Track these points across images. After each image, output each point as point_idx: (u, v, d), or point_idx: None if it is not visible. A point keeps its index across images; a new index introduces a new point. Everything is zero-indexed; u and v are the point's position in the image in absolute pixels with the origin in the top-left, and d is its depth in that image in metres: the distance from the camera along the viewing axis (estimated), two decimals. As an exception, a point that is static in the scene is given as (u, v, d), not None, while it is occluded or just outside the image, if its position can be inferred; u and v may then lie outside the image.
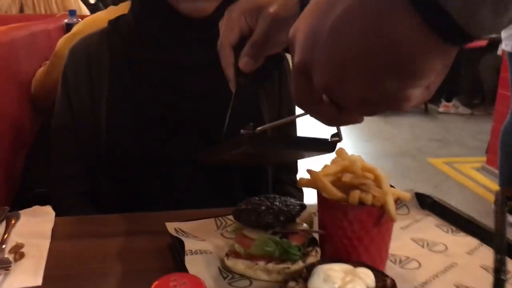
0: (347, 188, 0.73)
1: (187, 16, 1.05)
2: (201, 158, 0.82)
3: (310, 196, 0.87)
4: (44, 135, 1.65)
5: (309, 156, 0.74)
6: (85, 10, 3.37)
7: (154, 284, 0.54)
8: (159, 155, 1.10)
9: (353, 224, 0.73)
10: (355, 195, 0.71)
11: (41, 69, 1.79)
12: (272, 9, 0.74)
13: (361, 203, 0.72)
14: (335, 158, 0.78)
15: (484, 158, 4.26)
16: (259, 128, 0.64)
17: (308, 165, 0.78)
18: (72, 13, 2.61)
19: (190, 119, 1.10)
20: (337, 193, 0.73)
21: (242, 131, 0.65)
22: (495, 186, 3.69)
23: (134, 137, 1.10)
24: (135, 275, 0.77)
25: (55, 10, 3.22)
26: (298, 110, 0.73)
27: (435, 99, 6.36)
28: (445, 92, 6.25)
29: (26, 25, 2.07)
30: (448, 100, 6.13)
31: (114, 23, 1.16)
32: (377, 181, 0.72)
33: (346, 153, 0.78)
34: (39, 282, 0.74)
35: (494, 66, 5.59)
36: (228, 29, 0.76)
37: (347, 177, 0.72)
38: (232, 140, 0.69)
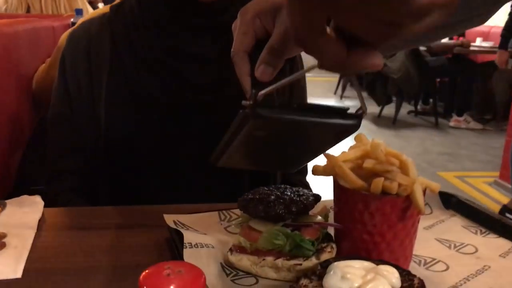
0: (368, 176, 0.65)
1: (193, 1, 0.98)
2: (213, 160, 0.68)
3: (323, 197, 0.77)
4: (42, 131, 1.59)
5: (329, 136, 0.61)
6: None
7: (145, 271, 0.46)
8: (159, 146, 1.02)
9: (375, 217, 0.64)
10: (378, 183, 0.62)
11: (44, 65, 1.73)
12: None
13: (385, 192, 0.63)
14: (354, 144, 0.70)
15: (497, 173, 4.15)
16: (262, 92, 0.53)
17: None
18: (79, 12, 2.57)
19: (194, 110, 1.03)
20: (357, 181, 0.64)
21: (243, 102, 0.54)
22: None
23: (134, 126, 1.02)
24: (125, 270, 0.68)
25: (62, 12, 3.18)
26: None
27: (446, 114, 6.26)
28: (456, 107, 6.16)
29: (31, 20, 2.02)
30: (459, 114, 6.02)
31: (116, 8, 1.09)
32: (403, 168, 0.64)
33: (367, 139, 0.69)
34: (18, 274, 0.66)
35: (507, 80, 5.50)
36: (242, 34, 0.67)
37: (369, 163, 0.64)
38: (234, 120, 0.58)
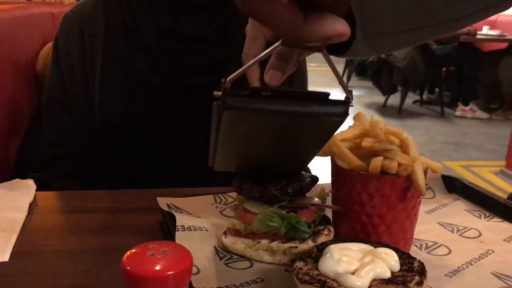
0: (367, 155, 0.62)
1: None
2: (210, 163, 0.65)
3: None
4: (41, 117, 1.57)
5: (314, 127, 0.54)
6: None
7: (129, 252, 0.44)
8: (154, 127, 1.00)
9: (374, 198, 0.62)
10: (377, 162, 0.60)
11: (50, 43, 1.71)
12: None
13: (384, 172, 0.61)
14: (353, 123, 0.67)
15: (503, 162, 4.11)
16: (229, 77, 0.48)
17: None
18: (79, -2, 2.53)
19: (190, 93, 1.00)
20: (355, 161, 0.62)
21: (214, 92, 0.50)
22: (515, 191, 3.55)
23: (128, 108, 1.00)
24: (116, 252, 0.65)
25: (65, 0, 3.16)
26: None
27: (452, 103, 6.21)
28: (462, 96, 6.09)
29: (30, 6, 1.99)
30: (465, 104, 5.96)
31: None
32: (404, 146, 0.61)
33: (366, 118, 0.67)
34: (5, 257, 0.64)
35: (514, 69, 5.43)
36: (252, 39, 0.67)
37: (367, 142, 0.61)
38: (213, 115, 0.54)
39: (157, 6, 1.00)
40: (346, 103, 0.50)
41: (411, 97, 6.47)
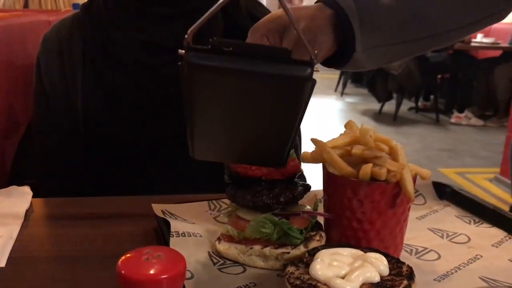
0: (358, 162, 0.63)
1: None
2: (190, 153, 0.64)
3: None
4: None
5: (279, 93, 0.50)
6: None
7: (124, 256, 0.45)
8: (136, 137, 1.01)
9: (364, 204, 0.63)
10: (367, 169, 0.61)
11: None
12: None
13: (374, 179, 0.62)
14: (344, 131, 0.69)
15: (498, 169, 4.13)
16: (190, 29, 0.48)
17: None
18: (76, 6, 2.55)
19: (168, 105, 1.01)
20: (346, 168, 0.63)
21: (179, 51, 0.50)
22: (509, 197, 3.56)
23: (110, 119, 1.01)
24: (112, 258, 0.66)
25: (61, 7, 3.16)
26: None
27: (447, 110, 6.24)
28: (457, 103, 6.13)
29: (26, 14, 2.00)
30: (460, 111, 6.00)
31: (86, 8, 1.08)
32: (393, 153, 0.63)
33: (357, 126, 0.68)
34: (2, 263, 0.65)
35: (509, 76, 5.47)
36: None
37: (358, 149, 0.63)
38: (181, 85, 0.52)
39: (128, 21, 1.01)
40: (310, 64, 0.48)
41: (406, 104, 6.50)
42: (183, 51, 0.48)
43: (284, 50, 0.48)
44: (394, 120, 6.01)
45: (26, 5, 3.06)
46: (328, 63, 0.77)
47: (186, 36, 0.48)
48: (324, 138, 0.66)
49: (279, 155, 0.61)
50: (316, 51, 0.54)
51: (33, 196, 0.86)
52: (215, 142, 0.61)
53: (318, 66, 0.52)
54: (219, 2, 0.49)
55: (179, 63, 0.49)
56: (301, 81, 0.48)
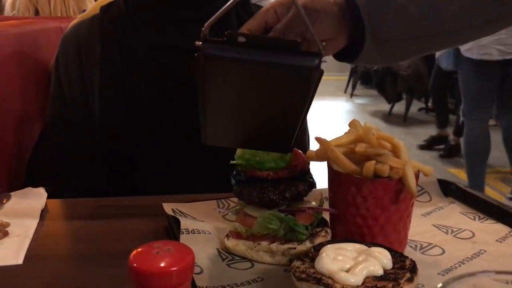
0: (361, 160, 0.65)
1: None
2: (202, 139, 0.67)
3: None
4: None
5: (287, 83, 0.54)
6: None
7: (135, 250, 0.47)
8: (155, 142, 1.03)
9: (368, 200, 0.65)
10: (370, 166, 0.63)
11: None
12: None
13: (377, 176, 0.64)
14: (348, 130, 0.71)
15: (509, 169, 4.11)
16: (206, 24, 0.52)
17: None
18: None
19: (185, 105, 1.03)
20: (350, 165, 0.65)
21: (196, 42, 0.54)
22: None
23: (126, 120, 1.03)
24: (124, 256, 0.69)
25: (71, 14, 3.20)
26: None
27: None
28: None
29: (39, 21, 2.04)
30: (471, 111, 5.97)
31: (105, 9, 1.11)
32: (395, 151, 0.64)
33: (360, 124, 0.70)
34: (20, 261, 0.68)
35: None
36: (252, 19, 0.73)
37: (361, 147, 0.64)
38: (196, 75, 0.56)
39: (147, 22, 1.04)
40: (318, 55, 0.51)
41: (416, 105, 6.48)
42: (200, 42, 0.51)
43: (295, 42, 0.52)
44: (404, 121, 6.00)
45: (36, 13, 3.11)
46: (339, 57, 0.79)
47: (203, 29, 0.51)
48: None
49: (287, 141, 0.64)
50: (324, 44, 0.56)
51: (51, 197, 0.89)
52: (226, 128, 0.64)
53: (325, 58, 0.56)
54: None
55: (195, 54, 0.53)
56: (309, 71, 0.51)
